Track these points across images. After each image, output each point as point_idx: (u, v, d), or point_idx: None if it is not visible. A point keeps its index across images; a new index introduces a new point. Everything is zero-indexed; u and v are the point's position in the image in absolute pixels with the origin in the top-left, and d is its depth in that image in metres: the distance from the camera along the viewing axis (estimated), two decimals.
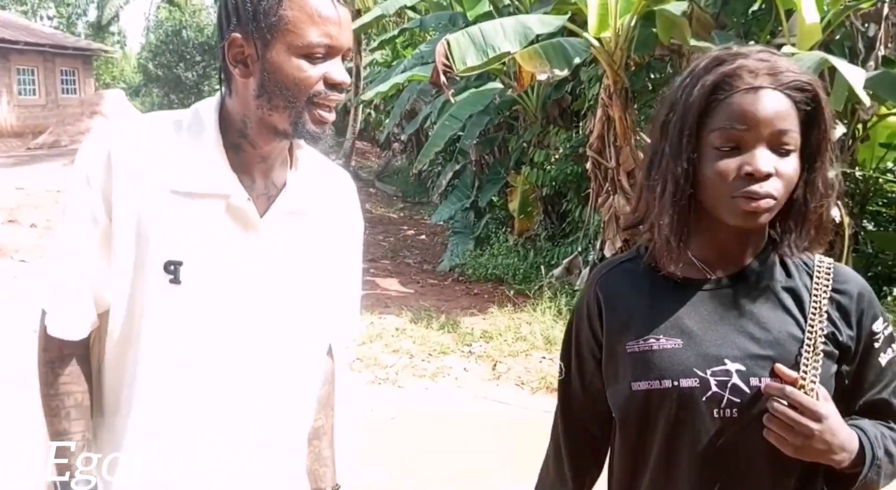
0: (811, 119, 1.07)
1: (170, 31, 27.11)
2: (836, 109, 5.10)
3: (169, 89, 27.15)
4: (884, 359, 1.12)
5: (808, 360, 1.06)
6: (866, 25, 6.42)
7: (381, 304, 6.99)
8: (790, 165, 1.05)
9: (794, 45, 5.39)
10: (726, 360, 1.08)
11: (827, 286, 1.12)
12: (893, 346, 1.13)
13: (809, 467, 1.09)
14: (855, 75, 4.28)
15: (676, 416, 1.09)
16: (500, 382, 5.02)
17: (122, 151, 1.15)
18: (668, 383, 1.09)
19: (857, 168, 6.30)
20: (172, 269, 1.15)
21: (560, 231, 8.70)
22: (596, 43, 6.25)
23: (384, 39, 11.19)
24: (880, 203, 6.82)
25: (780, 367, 1.06)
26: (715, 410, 1.07)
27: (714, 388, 1.07)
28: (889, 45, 6.27)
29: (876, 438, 1.08)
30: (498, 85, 8.98)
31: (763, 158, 1.03)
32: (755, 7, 7.56)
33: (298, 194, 1.24)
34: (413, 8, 10.14)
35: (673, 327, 1.12)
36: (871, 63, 6.08)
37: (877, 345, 1.12)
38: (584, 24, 6.26)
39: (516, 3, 8.13)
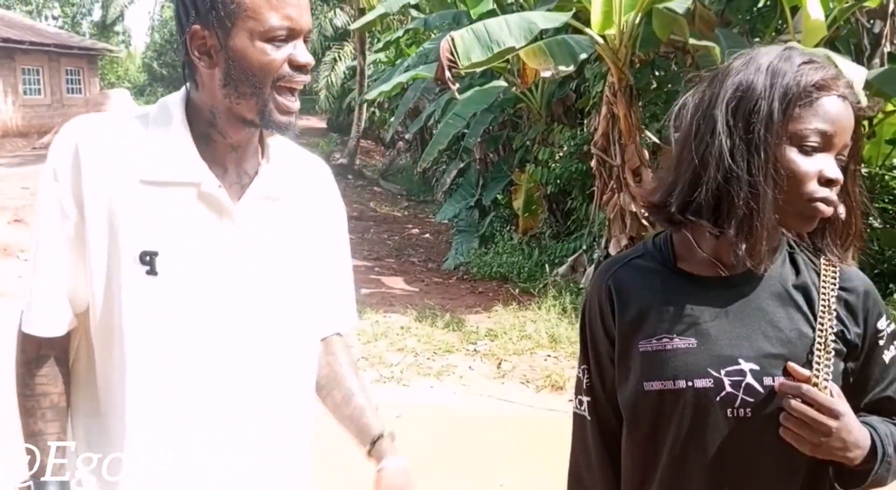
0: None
1: (174, 30, 27.08)
2: None
3: (174, 88, 26.81)
4: (888, 356, 1.12)
5: (820, 358, 1.06)
6: (872, 22, 6.40)
7: (385, 302, 7.00)
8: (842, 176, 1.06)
9: (799, 41, 5.37)
10: (740, 360, 1.07)
11: (834, 284, 1.12)
12: None
13: (815, 469, 1.09)
14: (856, 74, 4.28)
15: (690, 416, 1.08)
16: (504, 381, 5.02)
17: (89, 144, 1.15)
18: (682, 384, 1.08)
19: (862, 165, 6.26)
20: (148, 259, 1.14)
21: (565, 229, 8.70)
22: (600, 40, 6.24)
23: (389, 40, 11.19)
24: (886, 200, 6.78)
25: (793, 365, 1.06)
26: (728, 411, 1.07)
27: (728, 389, 1.07)
28: (895, 41, 6.25)
29: (886, 435, 1.08)
30: (502, 83, 8.97)
31: (836, 166, 1.04)
32: (760, 4, 7.55)
33: (272, 180, 1.23)
34: (416, 6, 10.14)
35: (686, 326, 1.11)
36: (877, 60, 6.07)
37: (881, 342, 1.12)
38: (588, 21, 6.24)
39: (520, 0, 8.12)
